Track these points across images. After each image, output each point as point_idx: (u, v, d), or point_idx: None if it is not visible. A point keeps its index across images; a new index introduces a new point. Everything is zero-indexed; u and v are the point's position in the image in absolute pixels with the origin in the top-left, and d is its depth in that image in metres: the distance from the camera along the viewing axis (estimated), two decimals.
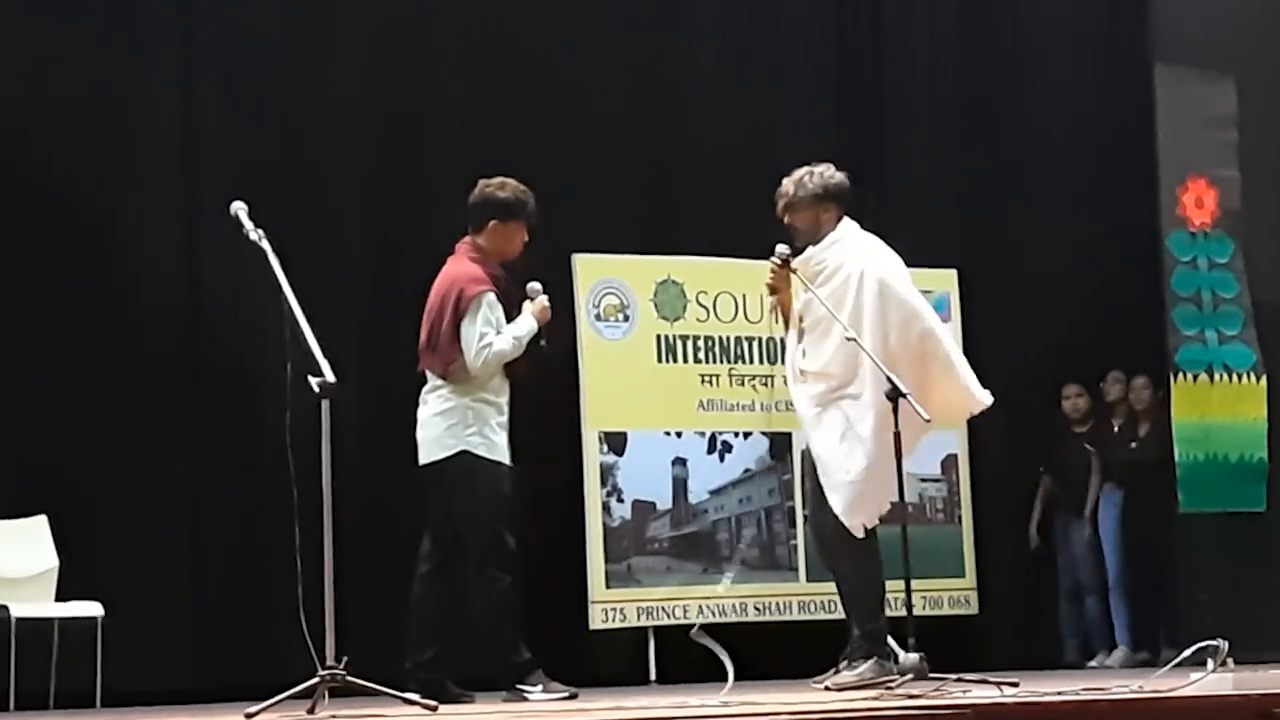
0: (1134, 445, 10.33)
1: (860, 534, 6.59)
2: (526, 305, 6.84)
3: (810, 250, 6.76)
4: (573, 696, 6.47)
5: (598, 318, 9.34)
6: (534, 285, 6.88)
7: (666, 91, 10.05)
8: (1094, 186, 10.90)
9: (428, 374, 6.79)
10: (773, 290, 6.88)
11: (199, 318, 8.76)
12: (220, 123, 8.98)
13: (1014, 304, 10.51)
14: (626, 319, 9.41)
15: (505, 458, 6.73)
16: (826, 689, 6.27)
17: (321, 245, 8.68)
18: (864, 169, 10.49)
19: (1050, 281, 10.68)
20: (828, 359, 6.66)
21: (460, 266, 6.80)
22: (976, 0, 11.00)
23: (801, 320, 6.80)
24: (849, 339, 6.50)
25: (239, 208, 6.02)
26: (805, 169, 6.88)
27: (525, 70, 9.66)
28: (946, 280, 10.25)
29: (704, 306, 9.51)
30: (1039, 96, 10.95)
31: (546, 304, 6.87)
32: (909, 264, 10.00)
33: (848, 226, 6.84)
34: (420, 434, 6.78)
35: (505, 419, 6.77)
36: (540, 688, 6.50)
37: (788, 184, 6.87)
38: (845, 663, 6.58)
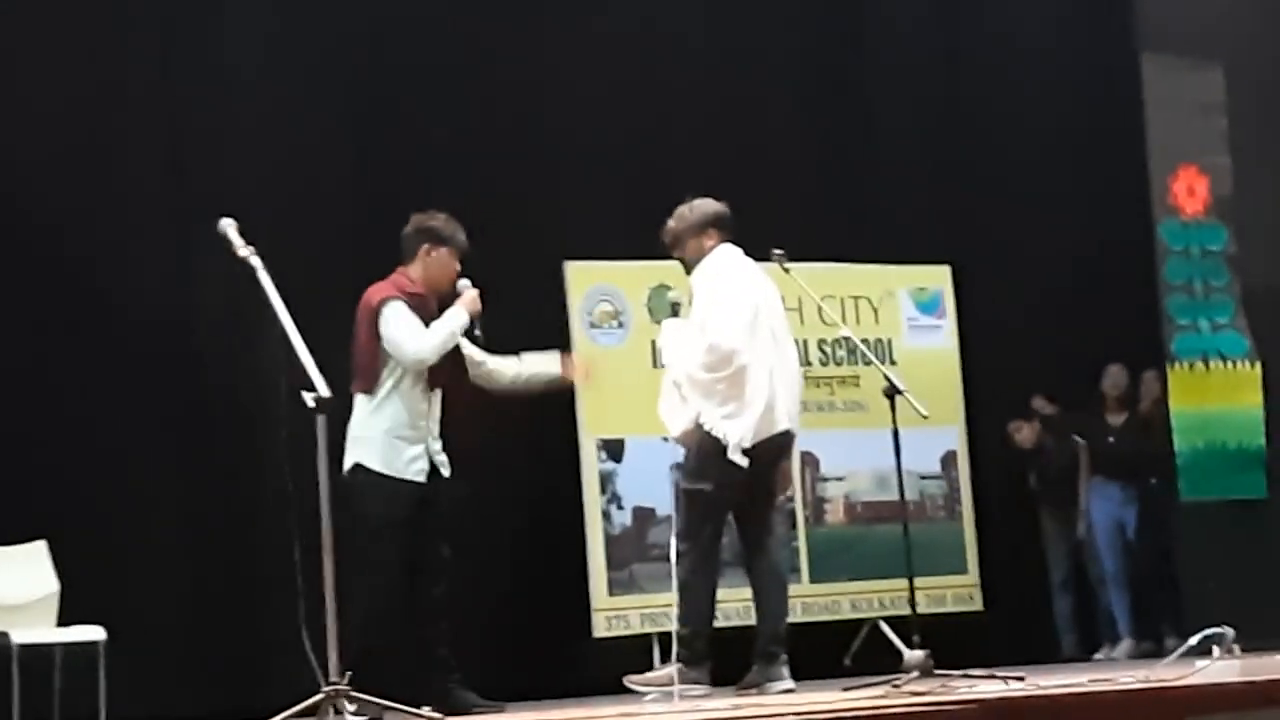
0: (1134, 435, 10.34)
1: None
2: (456, 303, 6.84)
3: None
4: None
5: (591, 325, 9.32)
6: (463, 282, 6.90)
7: (654, 95, 10.03)
8: (1085, 177, 10.90)
9: (355, 396, 6.82)
10: None
11: (193, 337, 8.77)
12: (208, 138, 8.99)
13: (1008, 297, 10.49)
14: (620, 325, 9.40)
15: (409, 474, 6.74)
16: (628, 684, 6.89)
17: (313, 260, 8.64)
18: (852, 167, 10.52)
19: (1044, 274, 10.67)
20: None
21: (372, 287, 6.86)
22: None
23: None
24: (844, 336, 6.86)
25: (227, 224, 5.95)
26: (685, 204, 7.26)
27: (513, 78, 9.66)
28: (940, 276, 10.24)
29: None
30: (1027, 88, 10.95)
31: (475, 296, 6.87)
32: (901, 260, 10.08)
33: (721, 253, 7.17)
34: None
35: (421, 432, 6.76)
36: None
37: (671, 222, 7.26)
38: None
